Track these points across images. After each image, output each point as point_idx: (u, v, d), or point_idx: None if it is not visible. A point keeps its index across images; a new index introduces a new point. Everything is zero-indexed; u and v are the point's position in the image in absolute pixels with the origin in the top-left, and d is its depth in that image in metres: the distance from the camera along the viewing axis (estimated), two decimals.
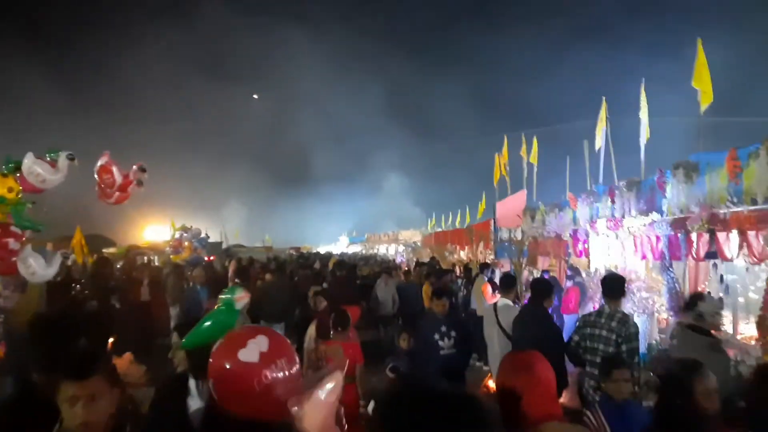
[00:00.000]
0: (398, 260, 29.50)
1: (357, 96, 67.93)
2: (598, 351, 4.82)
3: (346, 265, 17.45)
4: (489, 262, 14.54)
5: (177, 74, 58.93)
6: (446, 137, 70.90)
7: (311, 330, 6.57)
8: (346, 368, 2.28)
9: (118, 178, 6.94)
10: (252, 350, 2.23)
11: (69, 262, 12.52)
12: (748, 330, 8.33)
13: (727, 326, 8.19)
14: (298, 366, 2.35)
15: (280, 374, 2.23)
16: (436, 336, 6.11)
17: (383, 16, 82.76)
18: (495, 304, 6.81)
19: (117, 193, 6.94)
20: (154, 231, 30.39)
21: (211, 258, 22.44)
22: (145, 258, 22.97)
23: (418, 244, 39.09)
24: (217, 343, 2.34)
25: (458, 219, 32.84)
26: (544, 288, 5.95)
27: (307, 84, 66.78)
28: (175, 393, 2.90)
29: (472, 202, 29.33)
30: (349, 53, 70.73)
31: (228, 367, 2.21)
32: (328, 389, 2.10)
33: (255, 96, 62.46)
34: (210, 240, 31.97)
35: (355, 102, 69.26)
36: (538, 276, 13.69)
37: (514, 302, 7.02)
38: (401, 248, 41.81)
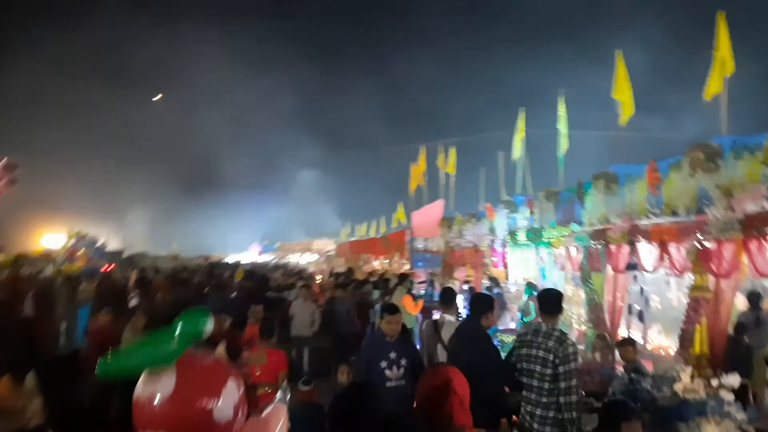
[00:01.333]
0: (310, 270, 28.73)
1: (267, 101, 66.16)
2: (535, 373, 4.48)
3: (256, 275, 16.40)
4: (407, 272, 14.23)
5: (75, 75, 55.17)
6: (361, 146, 70.56)
7: (220, 350, 6.01)
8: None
9: None
10: (228, 404, 1.78)
11: None
12: (658, 339, 8.44)
13: (637, 336, 8.25)
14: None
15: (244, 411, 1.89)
16: (383, 364, 5.00)
17: (295, 20, 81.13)
18: (436, 321, 6.26)
19: None
20: (51, 239, 28.15)
21: (109, 268, 20.88)
22: (35, 268, 21.07)
23: (332, 253, 38.54)
24: (165, 390, 1.71)
25: (373, 229, 32.61)
26: (483, 303, 5.23)
27: (215, 87, 64.41)
28: None
29: (388, 212, 29.22)
30: (258, 57, 68.60)
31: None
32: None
33: (158, 96, 59.40)
34: (111, 248, 30.00)
35: (265, 107, 67.54)
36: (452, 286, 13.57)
37: (457, 318, 6.48)
38: (315, 257, 41.12)
